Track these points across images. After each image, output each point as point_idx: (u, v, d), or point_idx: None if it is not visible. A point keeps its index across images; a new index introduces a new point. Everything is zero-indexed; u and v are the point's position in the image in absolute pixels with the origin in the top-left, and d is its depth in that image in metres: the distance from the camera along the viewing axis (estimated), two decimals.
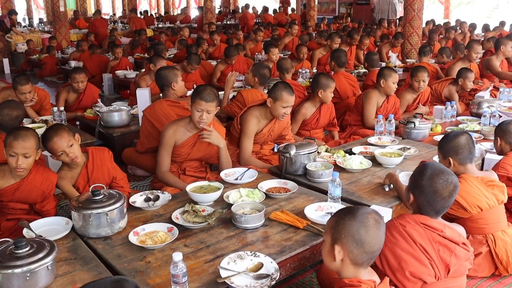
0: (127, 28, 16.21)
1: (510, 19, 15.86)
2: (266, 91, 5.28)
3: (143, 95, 5.11)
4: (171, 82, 4.68)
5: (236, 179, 3.53)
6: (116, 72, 8.58)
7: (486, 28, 12.92)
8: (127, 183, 3.80)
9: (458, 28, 13.73)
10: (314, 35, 12.45)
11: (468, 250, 2.46)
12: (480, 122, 5.11)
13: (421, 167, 2.58)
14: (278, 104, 4.12)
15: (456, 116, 5.49)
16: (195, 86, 6.53)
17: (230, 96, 5.69)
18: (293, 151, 3.57)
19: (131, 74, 8.35)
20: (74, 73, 5.82)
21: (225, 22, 18.81)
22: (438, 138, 4.56)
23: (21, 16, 24.94)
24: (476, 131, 4.83)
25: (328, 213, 2.92)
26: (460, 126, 5.03)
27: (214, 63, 8.62)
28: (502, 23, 13.69)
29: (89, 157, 3.56)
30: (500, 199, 3.05)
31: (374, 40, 13.19)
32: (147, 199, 3.24)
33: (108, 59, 9.19)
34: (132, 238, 2.71)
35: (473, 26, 12.58)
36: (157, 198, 3.25)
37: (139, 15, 20.54)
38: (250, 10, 18.92)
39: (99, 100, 5.83)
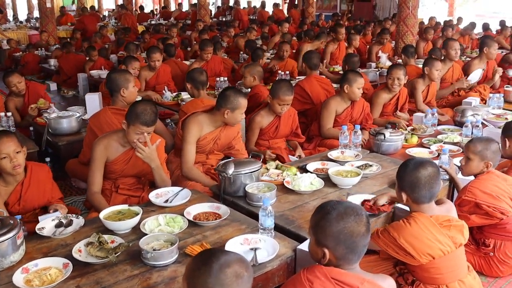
0: (119, 25, 15.80)
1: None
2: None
3: (93, 101, 4.72)
4: (121, 88, 4.24)
5: (167, 201, 3.11)
6: (91, 72, 8.20)
7: (485, 27, 12.37)
8: (63, 207, 3.34)
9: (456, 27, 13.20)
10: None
11: None
12: (461, 133, 4.65)
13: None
14: (238, 112, 3.81)
15: (438, 125, 5.03)
16: (166, 90, 6.20)
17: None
18: (231, 170, 3.14)
19: (106, 74, 7.93)
20: (7, 78, 5.45)
21: (221, 19, 18.35)
22: (413, 151, 4.16)
23: (23, 12, 24.78)
24: (456, 143, 4.38)
25: (252, 248, 2.50)
26: (439, 137, 4.57)
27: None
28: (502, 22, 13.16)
29: (27, 174, 3.23)
30: (458, 241, 2.53)
31: (371, 38, 12.71)
32: (59, 225, 2.84)
33: (85, 58, 8.79)
34: (18, 278, 2.32)
35: (472, 25, 12.02)
36: (70, 223, 2.86)
37: (139, 11, 20.18)
38: (242, 6, 18.35)
39: (52, 105, 5.41)
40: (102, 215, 2.81)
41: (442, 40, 11.08)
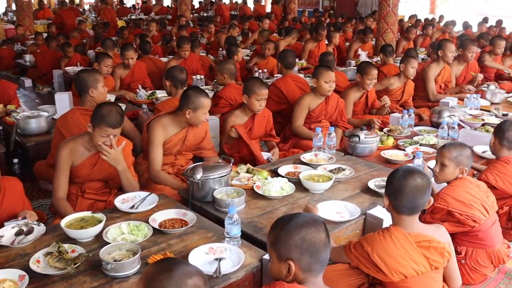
0: (99, 19, 15.55)
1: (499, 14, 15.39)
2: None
3: (63, 100, 4.59)
4: (90, 88, 4.13)
5: (133, 206, 3.02)
6: (66, 68, 8.03)
7: (466, 25, 12.40)
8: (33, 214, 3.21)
9: (436, 24, 13.23)
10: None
11: None
12: (438, 134, 4.61)
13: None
14: (201, 111, 3.71)
15: (414, 126, 4.99)
16: (140, 88, 6.07)
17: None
18: (199, 175, 3.05)
19: None
20: None
21: (202, 14, 18.16)
22: (388, 153, 4.11)
23: (1, 5, 24.27)
24: (432, 145, 4.34)
25: (217, 259, 2.42)
26: (416, 138, 4.53)
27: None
28: (485, 20, 13.22)
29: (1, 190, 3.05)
30: (434, 264, 2.43)
31: (352, 35, 12.67)
32: (19, 233, 2.74)
33: (61, 55, 8.61)
34: None
35: (453, 23, 12.02)
36: (31, 231, 2.75)
37: (119, 5, 19.86)
38: (224, 1, 18.16)
39: (22, 104, 5.27)
40: (63, 223, 2.71)
41: (423, 38, 11.14)
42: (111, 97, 5.58)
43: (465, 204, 2.94)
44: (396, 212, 2.51)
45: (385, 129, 4.78)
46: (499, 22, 13.08)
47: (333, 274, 2.62)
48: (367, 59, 8.61)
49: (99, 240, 2.64)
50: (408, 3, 21.59)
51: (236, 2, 21.39)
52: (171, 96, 4.82)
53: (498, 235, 3.12)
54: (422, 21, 14.39)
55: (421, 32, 11.61)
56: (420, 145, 4.36)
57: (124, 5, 20.35)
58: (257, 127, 4.43)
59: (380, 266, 2.38)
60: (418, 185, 2.43)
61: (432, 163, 3.87)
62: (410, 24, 12.77)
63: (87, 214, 2.84)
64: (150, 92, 6.12)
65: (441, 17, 14.95)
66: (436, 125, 4.87)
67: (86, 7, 22.88)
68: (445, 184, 3.19)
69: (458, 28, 12.89)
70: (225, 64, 5.49)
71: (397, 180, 2.47)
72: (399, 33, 11.09)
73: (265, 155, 4.40)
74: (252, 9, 18.48)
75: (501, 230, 3.25)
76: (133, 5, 23.76)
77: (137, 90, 5.97)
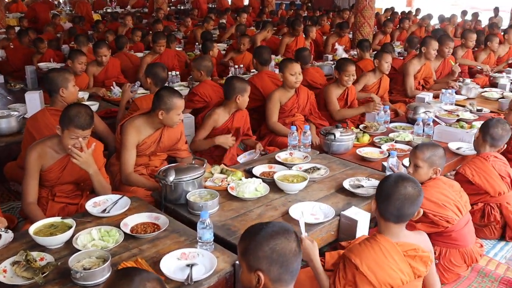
0: (74, 13, 15.27)
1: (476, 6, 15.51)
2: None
3: (33, 100, 4.49)
4: (60, 88, 4.03)
5: (104, 210, 2.96)
6: (39, 64, 7.84)
7: (441, 18, 12.46)
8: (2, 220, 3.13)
9: (413, 18, 13.29)
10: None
11: None
12: (413, 131, 4.62)
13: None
14: (174, 112, 3.63)
15: (390, 122, 5.00)
16: (114, 85, 5.96)
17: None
18: (171, 177, 3.01)
19: (55, 66, 7.59)
20: None
21: (179, 7, 17.95)
22: (363, 150, 4.10)
23: None
24: (408, 142, 4.35)
25: (189, 265, 2.38)
26: (391, 135, 4.53)
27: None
28: (464, 13, 13.34)
29: None
30: (417, 273, 2.40)
31: (329, 29, 12.67)
32: None
33: (34, 51, 8.42)
34: None
35: (429, 17, 12.09)
36: None
37: None
38: None
39: None
40: (31, 230, 2.64)
41: (400, 32, 11.18)
42: (84, 95, 5.48)
43: (439, 205, 2.94)
44: (383, 219, 2.45)
45: (361, 126, 4.78)
46: (475, 15, 13.21)
47: (304, 277, 2.60)
48: (344, 53, 8.62)
49: (69, 247, 2.58)
50: None
51: None
52: (150, 93, 4.73)
53: (471, 235, 3.15)
54: (399, 14, 14.44)
55: (398, 26, 11.63)
56: (396, 142, 4.37)
57: None
58: (235, 126, 4.42)
59: (370, 278, 2.31)
60: (408, 194, 2.38)
61: (407, 161, 3.89)
62: (386, 18, 12.80)
63: (56, 220, 2.77)
64: None
65: (418, 10, 15.01)
66: (412, 121, 4.88)
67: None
68: None
69: (434, 21, 12.97)
70: (202, 60, 5.41)
71: (388, 186, 2.42)
72: (376, 27, 11.11)
73: (248, 154, 4.36)
74: (230, 2, 18.34)
75: (474, 229, 3.27)
76: None
77: (111, 87, 5.86)
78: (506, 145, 3.93)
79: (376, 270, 2.32)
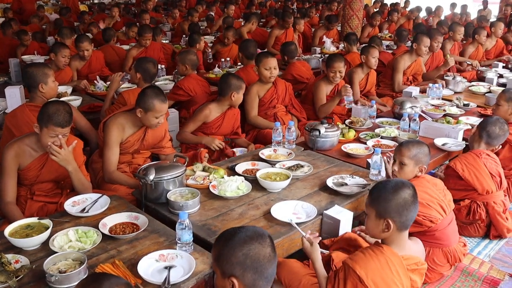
0: (60, 4, 15.07)
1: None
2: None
3: (14, 95, 4.40)
4: (39, 83, 3.95)
5: (83, 210, 2.91)
6: (23, 57, 7.72)
7: (429, 10, 12.42)
8: None
9: (402, 10, 13.25)
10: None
11: None
12: (399, 126, 4.59)
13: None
14: (152, 114, 3.54)
15: (376, 117, 4.97)
16: (98, 79, 5.85)
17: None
18: (151, 176, 2.95)
19: (39, 59, 7.51)
20: None
21: None
22: (349, 146, 4.07)
23: None
24: (393, 138, 4.32)
25: (167, 267, 2.34)
26: (377, 131, 4.50)
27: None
28: (453, 5, 13.32)
29: None
30: (414, 285, 2.39)
31: (318, 20, 12.58)
32: None
33: (18, 42, 8.29)
34: None
35: (418, 9, 12.05)
36: None
37: None
38: None
39: None
40: (7, 231, 2.58)
41: (388, 24, 11.13)
42: (67, 89, 5.39)
43: (423, 204, 2.90)
44: (396, 229, 2.37)
45: (346, 121, 4.74)
46: (464, 8, 13.20)
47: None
48: (332, 46, 8.57)
49: (46, 248, 2.53)
50: None
51: None
52: (138, 87, 4.64)
53: (455, 234, 3.12)
54: (388, 6, 14.40)
55: (387, 18, 11.57)
56: (381, 137, 4.34)
57: None
58: (226, 123, 4.40)
59: None
60: (412, 198, 2.38)
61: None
62: (375, 10, 12.74)
63: (33, 220, 2.72)
64: (109, 83, 5.90)
65: (407, 2, 14.98)
66: (399, 116, 4.84)
67: None
68: None
69: (423, 14, 12.94)
70: (187, 54, 5.34)
71: (392, 195, 2.36)
72: (365, 19, 11.06)
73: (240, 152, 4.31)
74: None
75: (459, 227, 3.26)
76: None
77: (95, 81, 5.77)
78: (500, 147, 3.90)
79: (381, 285, 2.25)
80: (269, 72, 4.77)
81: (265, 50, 7.35)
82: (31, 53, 7.91)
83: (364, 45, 6.21)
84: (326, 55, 7.74)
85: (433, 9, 12.46)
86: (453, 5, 13.85)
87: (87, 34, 9.82)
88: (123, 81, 4.94)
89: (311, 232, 2.65)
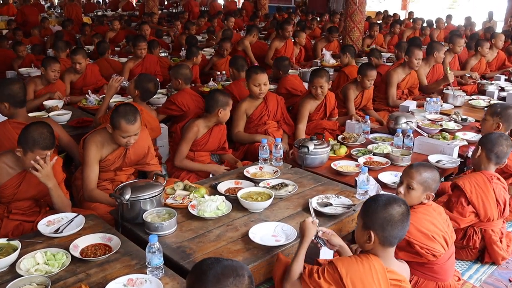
0: (63, 16, 15.12)
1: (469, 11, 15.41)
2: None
3: None
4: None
5: (57, 230, 2.83)
6: (19, 69, 7.72)
7: (429, 23, 12.29)
8: None
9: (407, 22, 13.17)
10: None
11: None
12: (393, 143, 4.46)
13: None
14: (118, 133, 3.47)
15: (371, 133, 4.84)
16: (90, 93, 5.79)
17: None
18: (127, 195, 2.87)
19: (36, 72, 7.48)
20: None
21: (171, 10, 17.79)
22: (338, 164, 3.96)
23: None
24: (386, 155, 4.19)
25: None
26: (370, 147, 4.38)
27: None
28: (449, 17, 13.23)
29: None
30: None
31: (320, 32, 12.53)
32: None
33: (15, 55, 8.28)
34: None
35: (421, 19, 11.94)
36: None
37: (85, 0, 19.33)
38: None
39: None
40: None
41: (391, 36, 11.03)
42: (59, 104, 5.33)
43: (428, 236, 2.74)
44: (381, 245, 2.33)
45: (339, 137, 4.63)
46: (468, 20, 13.08)
47: None
48: (332, 59, 8.49)
49: (13, 271, 2.45)
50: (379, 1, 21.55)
51: None
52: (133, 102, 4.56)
53: (452, 268, 2.94)
54: (391, 17, 14.34)
55: (389, 31, 11.48)
56: (374, 154, 4.22)
57: (91, 1, 19.86)
58: (213, 139, 4.28)
59: None
60: (402, 215, 2.32)
61: (384, 175, 3.75)
62: (376, 21, 12.67)
63: (2, 241, 2.64)
64: (101, 96, 5.85)
65: (411, 13, 14.91)
66: (393, 132, 4.71)
67: (55, 1, 22.30)
68: None
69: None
70: (179, 69, 5.26)
71: (380, 210, 2.31)
72: (367, 31, 10.97)
73: None
74: (222, 6, 18.18)
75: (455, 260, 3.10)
76: (98, 0, 23.04)
77: (87, 95, 5.71)
78: (506, 161, 3.65)
79: (359, 287, 2.21)
80: (259, 89, 4.68)
81: (256, 64, 7.23)
82: (28, 65, 7.89)
83: (362, 63, 6.06)
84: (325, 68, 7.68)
85: (432, 22, 12.36)
86: (449, 17, 13.62)
87: (88, 46, 9.89)
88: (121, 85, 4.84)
89: (323, 233, 2.63)
